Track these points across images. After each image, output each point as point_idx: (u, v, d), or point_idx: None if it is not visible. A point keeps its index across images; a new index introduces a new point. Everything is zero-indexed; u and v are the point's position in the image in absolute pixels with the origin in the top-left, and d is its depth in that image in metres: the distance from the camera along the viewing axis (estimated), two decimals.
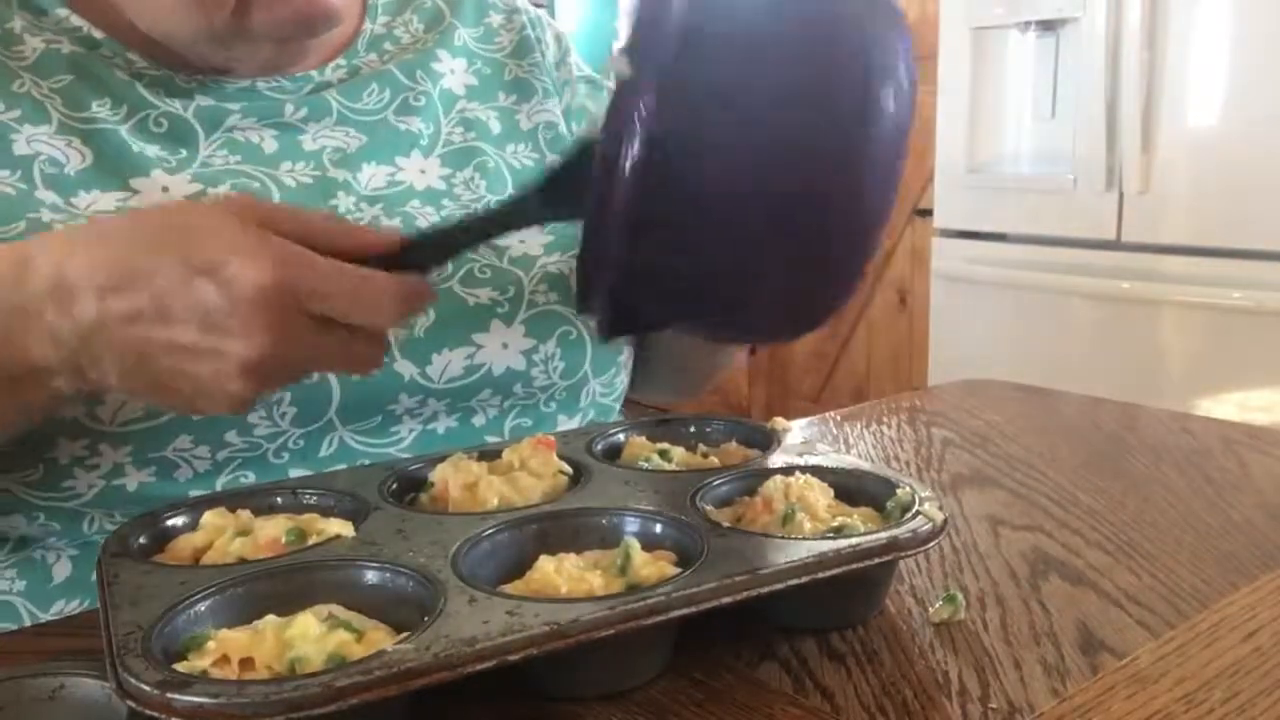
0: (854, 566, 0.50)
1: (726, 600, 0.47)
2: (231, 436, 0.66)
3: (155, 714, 0.39)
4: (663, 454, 0.66)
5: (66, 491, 0.64)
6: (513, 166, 0.84)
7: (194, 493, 0.64)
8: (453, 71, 0.85)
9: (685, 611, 0.46)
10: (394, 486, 0.60)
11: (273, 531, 0.54)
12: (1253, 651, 0.51)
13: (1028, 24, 2.11)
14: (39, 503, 0.64)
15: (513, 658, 0.42)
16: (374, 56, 0.83)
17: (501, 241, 0.77)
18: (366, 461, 0.70)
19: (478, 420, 0.75)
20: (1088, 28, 1.99)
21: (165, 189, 0.70)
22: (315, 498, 0.59)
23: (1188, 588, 0.58)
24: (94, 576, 0.66)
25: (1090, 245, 2.06)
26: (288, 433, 0.68)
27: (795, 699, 0.47)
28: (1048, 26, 2.09)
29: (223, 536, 0.54)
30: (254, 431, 0.66)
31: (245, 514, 0.56)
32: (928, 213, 2.47)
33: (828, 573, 0.49)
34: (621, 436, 0.68)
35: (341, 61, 0.81)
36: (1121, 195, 2.01)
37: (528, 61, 0.89)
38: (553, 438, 0.65)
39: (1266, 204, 1.83)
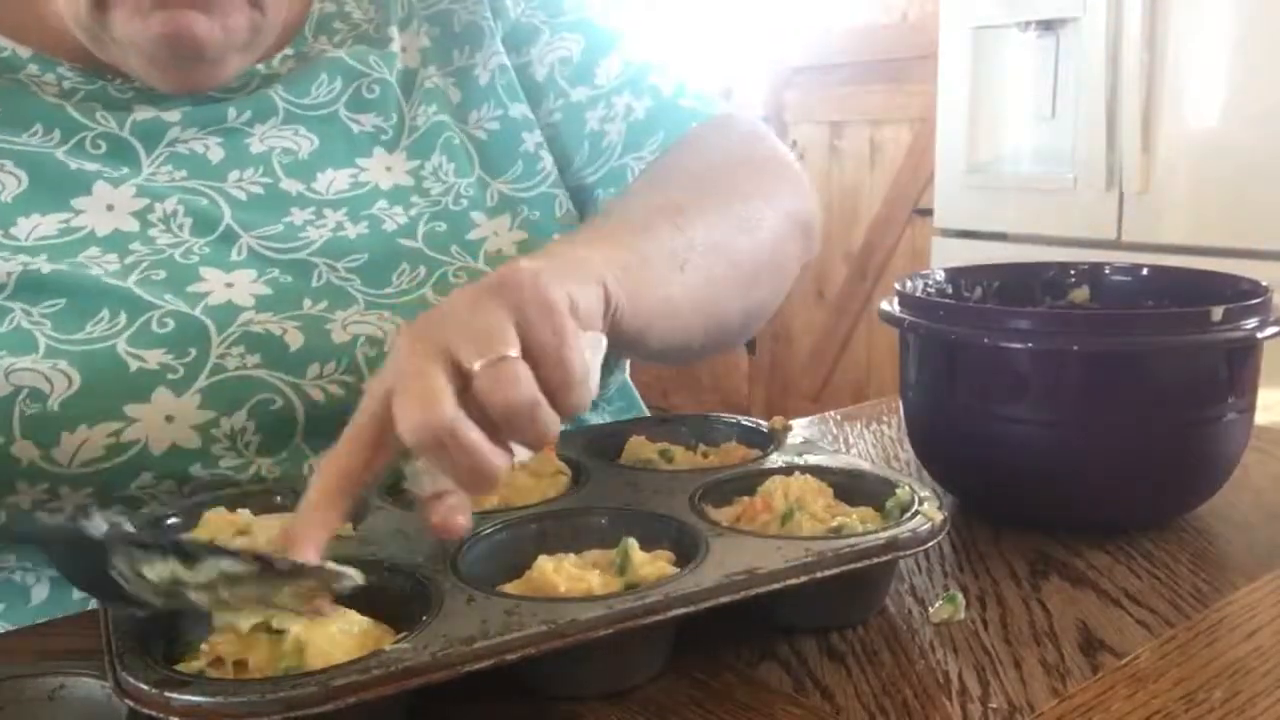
0: (853, 566, 0.50)
1: (725, 600, 0.47)
2: (196, 470, 0.63)
3: (154, 713, 0.39)
4: (663, 454, 0.66)
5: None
6: (477, 138, 0.79)
7: None
8: (405, 49, 0.80)
9: (683, 611, 0.46)
10: (393, 486, 0.60)
11: (272, 532, 0.53)
12: (1253, 651, 0.51)
13: (1028, 24, 2.10)
14: (6, 542, 0.64)
15: (510, 657, 0.42)
16: (324, 40, 0.78)
17: (472, 235, 0.74)
18: None
19: None
20: (1088, 28, 1.99)
21: (110, 206, 0.68)
22: None
23: (1188, 588, 0.57)
24: (75, 595, 0.65)
25: (1090, 245, 2.06)
26: (255, 463, 0.65)
27: (795, 699, 0.47)
28: (1048, 26, 2.08)
29: (222, 536, 0.54)
30: (220, 464, 0.64)
31: (245, 514, 0.55)
32: (928, 212, 2.47)
33: (826, 572, 0.49)
34: (621, 436, 0.68)
35: (289, 51, 0.77)
36: (1121, 195, 2.01)
37: (471, 1, 0.82)
38: None
39: (1266, 204, 1.82)
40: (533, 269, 0.48)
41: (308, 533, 0.45)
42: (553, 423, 0.46)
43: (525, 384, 0.45)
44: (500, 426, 0.45)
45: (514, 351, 0.45)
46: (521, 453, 0.47)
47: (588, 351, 0.48)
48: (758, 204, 0.71)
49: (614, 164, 0.80)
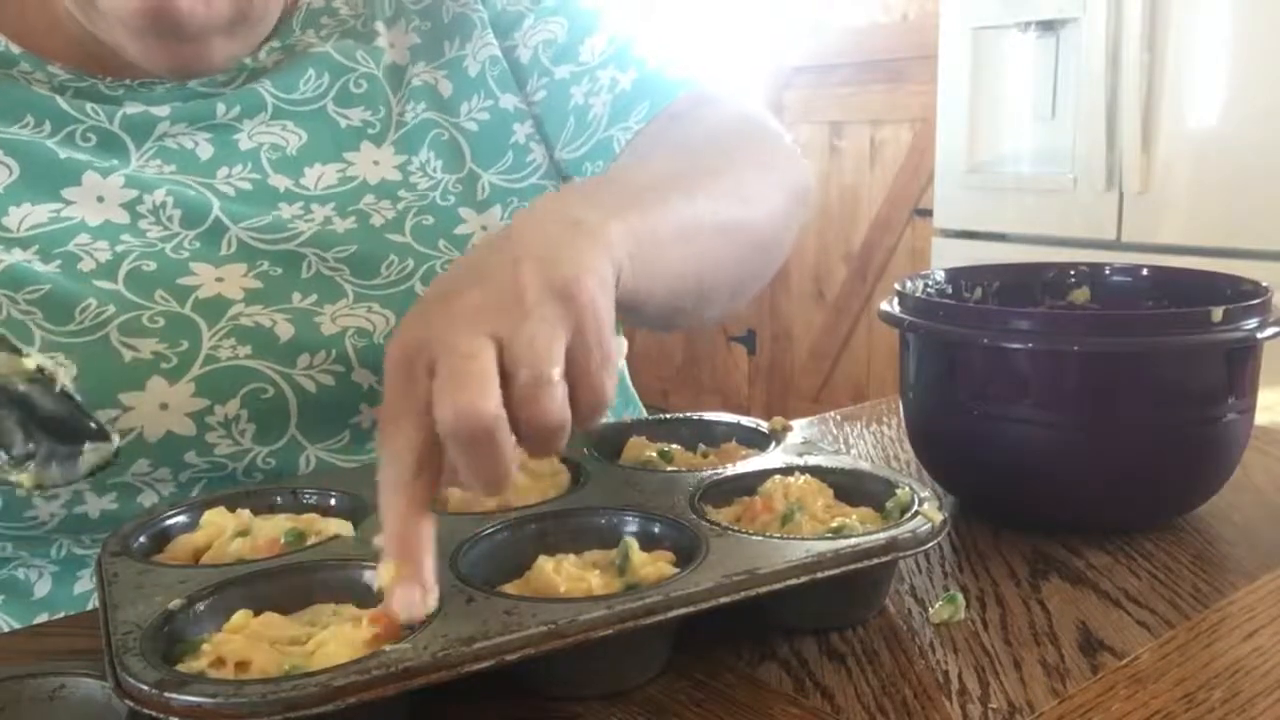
0: (853, 567, 0.50)
1: (724, 600, 0.47)
2: (191, 457, 0.63)
3: (154, 713, 0.39)
4: (663, 454, 0.66)
5: (29, 521, 0.63)
6: (467, 130, 0.79)
7: None
8: (393, 45, 0.81)
9: (683, 612, 0.46)
10: None
11: (272, 532, 0.54)
12: (1253, 651, 0.51)
13: (1028, 24, 2.10)
14: (3, 531, 0.64)
15: (510, 658, 0.42)
16: (310, 33, 0.79)
17: (460, 230, 0.75)
18: None
19: None
20: (1088, 28, 1.99)
21: (100, 198, 0.68)
22: (315, 497, 0.59)
23: (1188, 588, 0.57)
24: (76, 591, 0.66)
25: (1090, 245, 2.06)
26: (252, 451, 0.65)
27: (795, 699, 0.47)
28: (1048, 26, 2.09)
29: (222, 537, 0.54)
30: (214, 451, 0.64)
31: (245, 514, 0.56)
32: (928, 213, 2.47)
33: (826, 573, 0.49)
34: (621, 436, 0.68)
35: (276, 44, 0.77)
36: (1121, 195, 2.01)
37: None
38: None
39: (1266, 204, 1.83)
40: (594, 283, 0.46)
41: (419, 567, 0.44)
42: (564, 442, 0.45)
43: (560, 410, 0.43)
44: (520, 436, 0.43)
45: (559, 372, 0.44)
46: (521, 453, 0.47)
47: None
48: (754, 177, 0.70)
49: (600, 136, 0.79)
